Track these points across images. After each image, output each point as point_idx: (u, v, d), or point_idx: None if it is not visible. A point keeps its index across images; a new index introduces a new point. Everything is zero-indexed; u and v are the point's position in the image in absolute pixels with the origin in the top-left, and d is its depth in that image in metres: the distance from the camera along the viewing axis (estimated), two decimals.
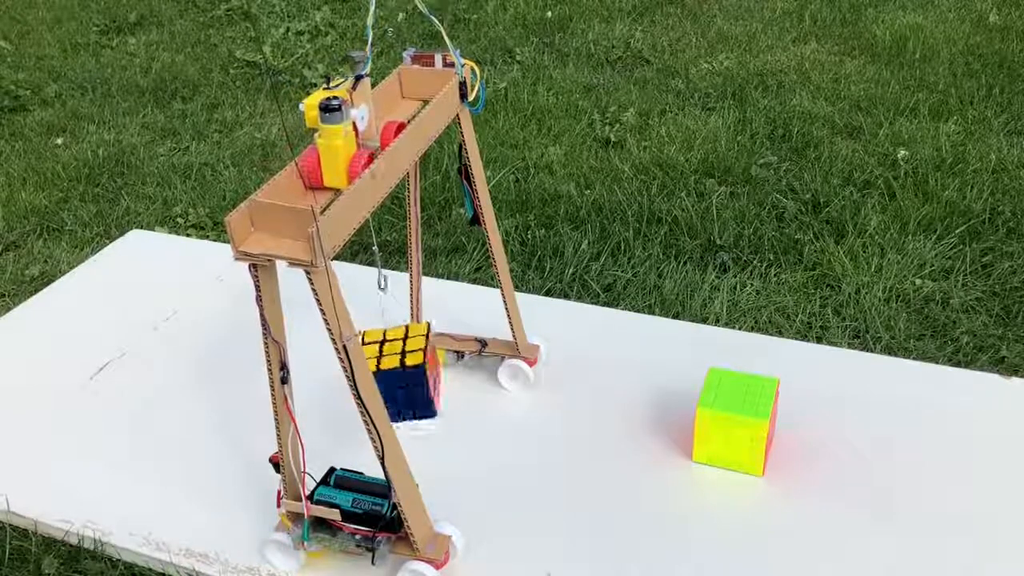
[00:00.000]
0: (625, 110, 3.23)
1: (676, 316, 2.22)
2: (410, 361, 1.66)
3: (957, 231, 2.43)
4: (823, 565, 1.55)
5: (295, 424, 1.46)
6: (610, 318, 2.21)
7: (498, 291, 1.88)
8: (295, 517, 1.55)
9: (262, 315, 1.37)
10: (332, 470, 1.57)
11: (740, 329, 2.16)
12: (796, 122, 3.07)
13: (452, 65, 1.60)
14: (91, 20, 4.51)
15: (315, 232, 1.22)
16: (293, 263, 1.27)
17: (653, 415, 1.89)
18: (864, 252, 2.39)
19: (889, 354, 2.05)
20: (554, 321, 2.17)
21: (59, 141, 3.34)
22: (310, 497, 1.51)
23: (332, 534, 1.52)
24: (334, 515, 1.50)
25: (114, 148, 3.26)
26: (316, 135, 1.34)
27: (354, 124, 1.36)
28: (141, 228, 2.75)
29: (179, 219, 2.79)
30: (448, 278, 2.41)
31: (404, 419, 1.71)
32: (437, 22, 1.53)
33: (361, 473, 1.56)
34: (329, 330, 1.32)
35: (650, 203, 2.66)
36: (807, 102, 3.22)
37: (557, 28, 4.07)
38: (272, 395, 1.43)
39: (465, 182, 1.72)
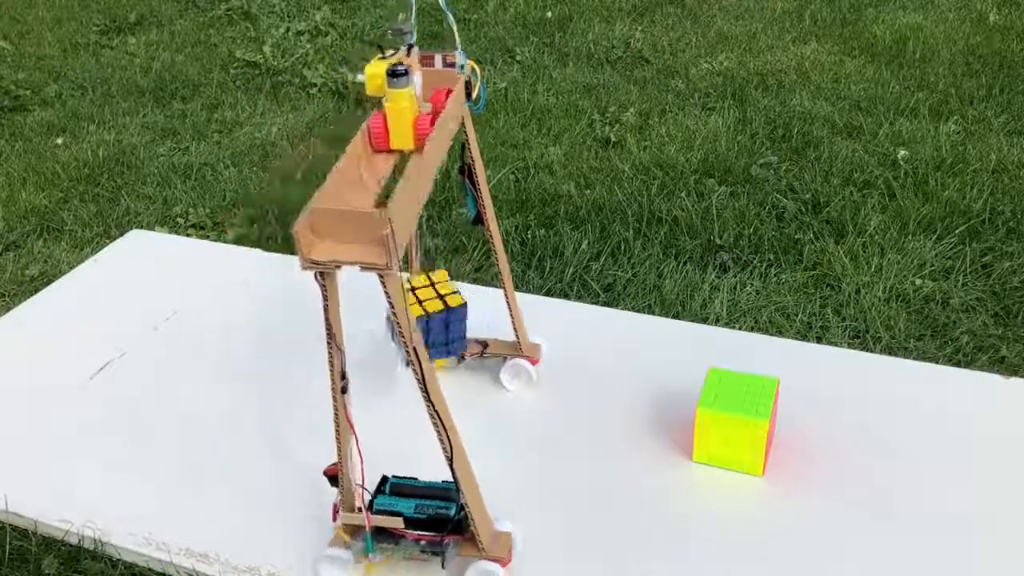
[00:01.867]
0: (625, 110, 3.23)
1: (676, 316, 2.22)
2: (452, 302, 1.83)
3: (957, 231, 2.43)
4: (823, 565, 1.55)
5: (356, 434, 1.44)
6: (610, 318, 2.21)
7: (495, 291, 1.88)
8: (352, 530, 1.52)
9: (328, 323, 1.35)
10: (385, 478, 1.54)
11: (740, 329, 2.16)
12: (796, 122, 3.07)
13: (452, 65, 1.60)
14: (91, 20, 4.51)
15: (390, 235, 1.21)
16: (366, 268, 1.25)
17: (653, 415, 1.89)
18: (864, 252, 2.39)
19: (889, 354, 2.05)
20: (554, 321, 2.17)
21: (59, 141, 3.34)
22: (369, 507, 1.49)
23: (394, 542, 1.50)
24: (396, 523, 1.48)
25: (114, 148, 3.26)
26: (384, 100, 1.43)
27: None
28: (141, 228, 2.75)
29: (179, 219, 2.79)
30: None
31: (447, 355, 1.84)
32: (452, 19, 1.53)
33: (415, 479, 1.54)
34: (400, 333, 1.31)
35: (650, 203, 2.66)
36: (807, 102, 3.22)
37: (557, 28, 4.07)
38: (334, 405, 1.42)
39: (467, 182, 1.73)
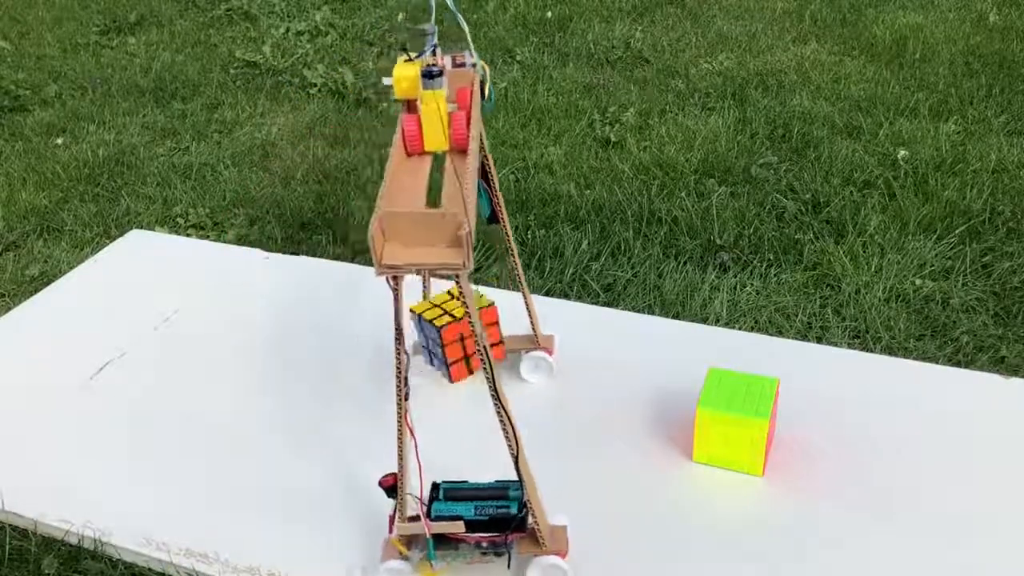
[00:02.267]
0: (625, 110, 3.23)
1: (676, 316, 2.22)
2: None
3: (957, 231, 2.43)
4: (823, 565, 1.55)
5: (416, 441, 1.43)
6: (610, 318, 2.21)
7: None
8: (407, 541, 1.50)
9: (398, 326, 1.35)
10: (436, 485, 1.53)
11: (740, 329, 2.16)
12: (796, 122, 3.07)
13: (462, 65, 1.59)
14: (91, 20, 4.51)
15: (467, 235, 1.21)
16: (444, 269, 1.25)
17: (653, 415, 1.89)
18: (864, 252, 2.39)
19: (889, 354, 2.05)
20: (554, 321, 2.17)
21: (59, 141, 3.34)
22: (427, 514, 1.48)
23: (454, 548, 1.49)
24: (457, 528, 1.46)
25: (114, 148, 3.26)
26: (418, 102, 1.42)
27: None
28: (141, 228, 2.75)
29: (179, 219, 2.79)
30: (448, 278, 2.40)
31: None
32: (463, 21, 1.52)
33: (465, 481, 1.53)
34: (474, 331, 1.32)
35: (650, 203, 2.66)
36: (807, 102, 3.22)
37: (557, 28, 4.07)
38: (398, 410, 1.41)
39: (481, 180, 1.72)
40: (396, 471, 1.47)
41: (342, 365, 2.09)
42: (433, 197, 1.37)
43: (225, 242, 2.66)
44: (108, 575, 1.64)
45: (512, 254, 1.83)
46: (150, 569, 1.64)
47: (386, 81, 1.44)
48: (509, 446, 1.39)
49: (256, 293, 2.37)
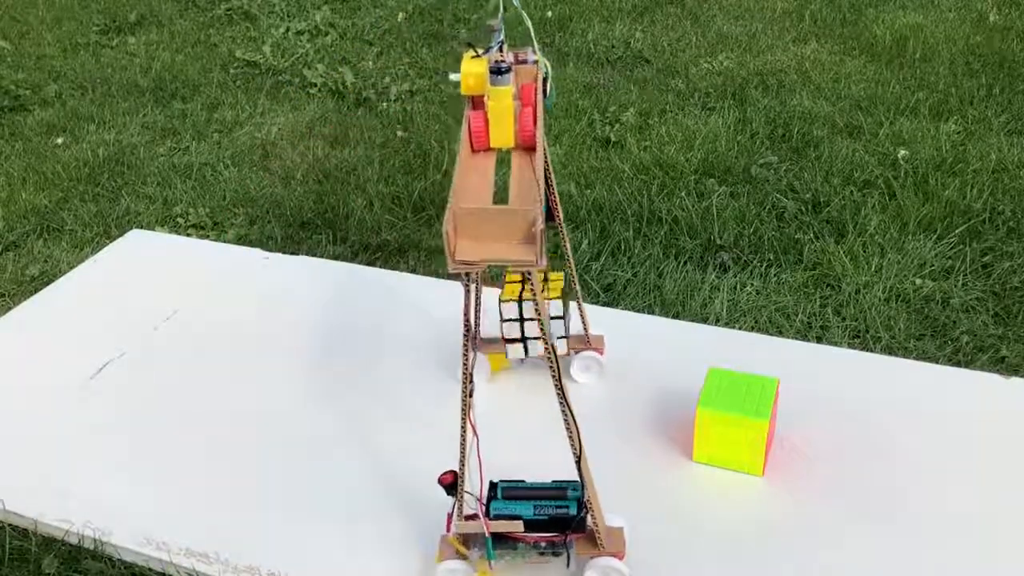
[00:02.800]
0: (625, 110, 3.23)
1: (676, 316, 2.22)
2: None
3: (957, 231, 2.43)
4: (823, 565, 1.55)
5: (478, 439, 1.42)
6: (610, 318, 2.21)
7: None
8: (464, 540, 1.50)
9: (467, 323, 1.34)
10: (494, 484, 1.50)
11: (740, 329, 2.16)
12: (796, 122, 3.07)
13: (524, 62, 1.58)
14: (91, 20, 4.51)
15: (541, 231, 1.21)
16: (516, 266, 1.24)
17: (653, 415, 1.89)
18: (864, 252, 2.39)
19: (889, 354, 2.05)
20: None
21: (59, 141, 3.34)
22: (486, 513, 1.46)
23: (512, 547, 1.48)
24: (516, 527, 1.45)
25: (114, 148, 3.26)
26: (485, 98, 1.41)
27: None
28: (141, 228, 2.75)
29: (179, 219, 2.79)
30: (448, 278, 2.40)
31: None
32: (527, 18, 1.51)
33: (522, 480, 1.51)
34: (541, 330, 1.32)
35: (650, 203, 2.66)
36: (807, 102, 3.22)
37: (557, 28, 4.07)
38: (462, 407, 1.40)
39: None
40: (455, 468, 1.46)
41: (342, 365, 2.09)
42: (498, 193, 1.36)
43: (225, 242, 2.66)
44: (108, 575, 1.64)
45: (566, 253, 1.82)
46: (150, 569, 1.64)
47: (453, 76, 1.44)
48: (572, 446, 1.38)
49: (256, 293, 2.37)
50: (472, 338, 1.36)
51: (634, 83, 3.50)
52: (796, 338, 2.13)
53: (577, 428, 1.37)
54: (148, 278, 2.46)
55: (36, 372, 2.12)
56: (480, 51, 1.45)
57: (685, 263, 2.41)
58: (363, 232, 2.65)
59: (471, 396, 1.39)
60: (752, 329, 2.17)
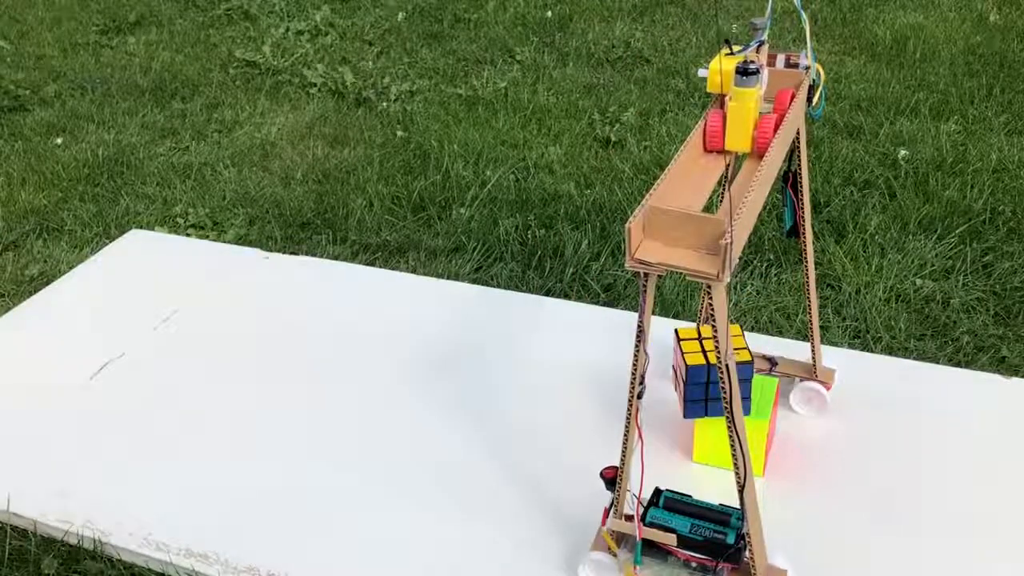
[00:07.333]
0: (625, 110, 3.23)
1: (676, 316, 2.22)
2: (740, 358, 1.60)
3: (957, 231, 2.43)
4: (823, 565, 1.55)
5: (642, 442, 1.38)
6: (610, 318, 2.20)
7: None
8: (618, 537, 1.47)
9: (640, 326, 1.30)
10: (659, 491, 1.48)
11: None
12: None
13: (795, 66, 1.51)
14: (91, 20, 4.51)
15: (728, 244, 1.13)
16: (696, 276, 1.17)
17: (653, 415, 1.88)
18: (864, 252, 2.39)
19: (889, 354, 2.05)
20: (554, 321, 2.16)
21: (59, 141, 3.34)
22: (642, 518, 1.43)
23: (662, 559, 1.44)
24: (668, 539, 1.41)
25: (114, 148, 3.26)
26: (728, 98, 1.36)
27: None
28: (141, 228, 2.75)
29: (179, 219, 2.79)
30: (448, 278, 2.40)
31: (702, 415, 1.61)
32: (805, 18, 1.45)
33: (688, 495, 1.48)
34: (717, 347, 1.24)
35: None
36: None
37: (557, 28, 4.07)
38: (628, 407, 1.37)
39: (791, 190, 1.62)
40: (618, 464, 1.44)
41: (341, 365, 2.09)
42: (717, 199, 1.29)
43: (225, 242, 2.66)
44: (108, 575, 1.64)
45: (807, 271, 1.71)
46: (150, 569, 1.64)
47: (701, 72, 1.38)
48: (736, 474, 1.31)
49: (256, 293, 2.37)
50: (644, 341, 1.30)
51: (634, 83, 3.50)
52: (796, 338, 2.13)
53: (744, 456, 1.30)
54: (148, 278, 2.46)
55: (36, 372, 2.12)
56: (736, 49, 1.38)
57: None
58: (363, 232, 2.65)
59: (639, 398, 1.35)
60: (752, 329, 2.17)
